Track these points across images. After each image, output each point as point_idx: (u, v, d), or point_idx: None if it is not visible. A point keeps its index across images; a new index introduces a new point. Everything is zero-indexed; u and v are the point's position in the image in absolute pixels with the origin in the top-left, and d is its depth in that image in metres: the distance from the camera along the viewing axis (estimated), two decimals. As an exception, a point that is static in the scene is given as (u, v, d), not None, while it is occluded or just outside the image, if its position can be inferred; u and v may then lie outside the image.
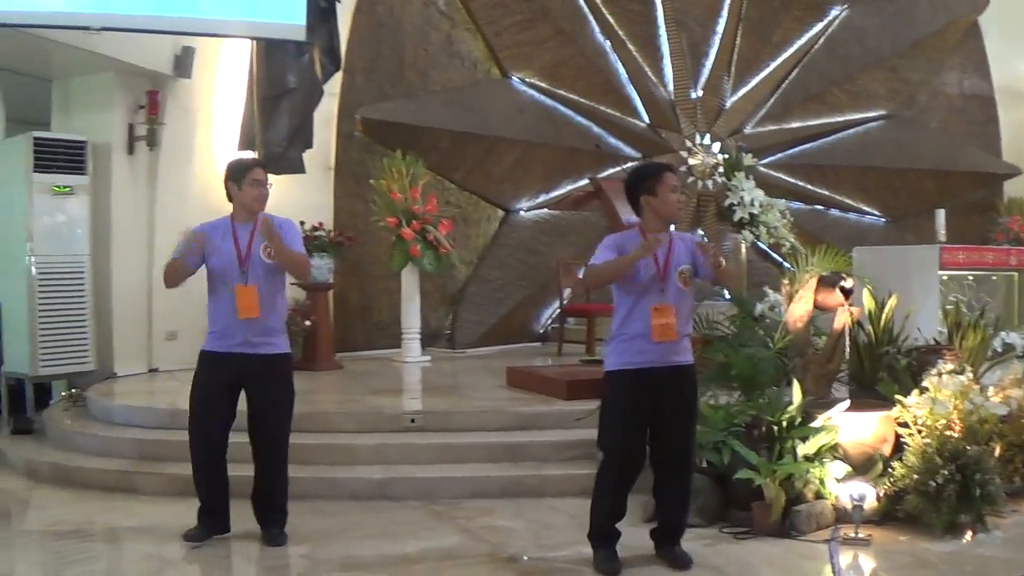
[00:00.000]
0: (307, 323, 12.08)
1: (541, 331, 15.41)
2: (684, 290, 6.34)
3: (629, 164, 14.48)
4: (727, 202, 14.00)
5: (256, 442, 7.02)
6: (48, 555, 7.22)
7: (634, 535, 6.73)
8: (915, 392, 7.68)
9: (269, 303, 6.88)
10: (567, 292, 13.94)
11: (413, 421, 9.30)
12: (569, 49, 15.03)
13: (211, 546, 6.97)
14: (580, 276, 6.41)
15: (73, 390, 11.03)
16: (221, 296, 6.84)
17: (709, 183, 15.49)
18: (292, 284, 12.05)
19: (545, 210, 15.18)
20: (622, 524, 6.53)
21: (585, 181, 13.60)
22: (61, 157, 11.35)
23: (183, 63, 12.04)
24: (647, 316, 6.20)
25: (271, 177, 10.70)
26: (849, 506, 7.14)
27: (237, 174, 6.91)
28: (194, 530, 6.98)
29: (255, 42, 11.92)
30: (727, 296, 12.14)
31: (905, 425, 7.60)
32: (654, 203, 6.27)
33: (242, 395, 6.97)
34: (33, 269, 11.08)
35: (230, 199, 6.97)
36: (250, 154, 11.52)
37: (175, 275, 6.87)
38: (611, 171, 14.45)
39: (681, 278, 6.31)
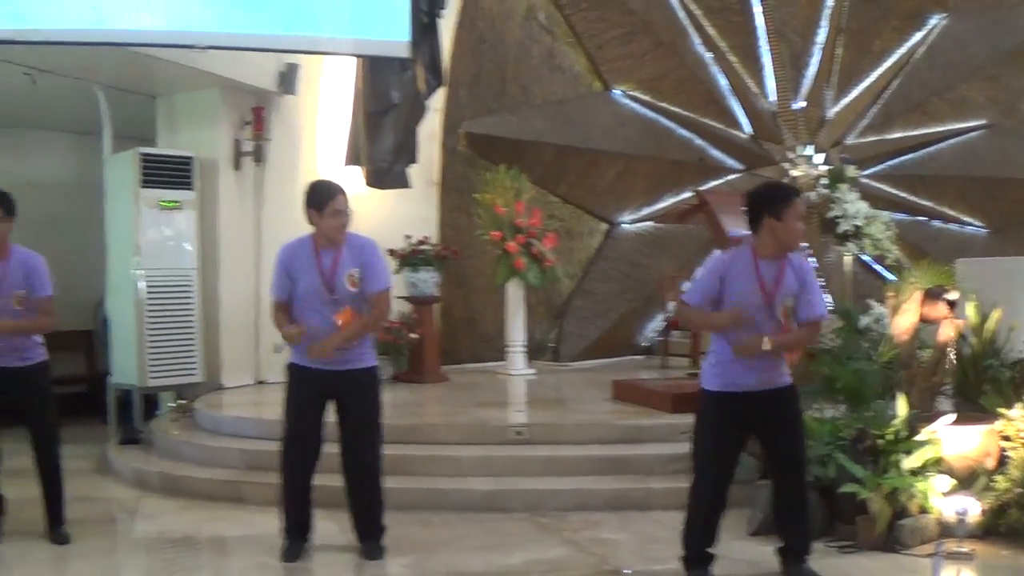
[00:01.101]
0: (413, 336, 12.05)
1: (645, 344, 15.23)
2: (782, 323, 6.14)
3: (732, 176, 14.43)
4: (831, 214, 13.77)
5: (349, 455, 7.00)
6: (155, 563, 7.30)
7: (740, 549, 6.70)
8: (1018, 405, 7.44)
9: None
10: (671, 305, 13.78)
11: (519, 433, 9.25)
12: (670, 61, 14.87)
13: (311, 558, 6.98)
14: (677, 307, 6.24)
15: (181, 401, 11.12)
16: (308, 316, 6.79)
17: (812, 195, 15.25)
18: (398, 297, 12.11)
19: (648, 223, 15.01)
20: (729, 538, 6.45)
21: (687, 194, 13.54)
22: (168, 172, 11.40)
23: (288, 79, 12.05)
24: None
25: (374, 191, 10.78)
26: (953, 520, 6.96)
27: (318, 202, 6.73)
28: (289, 549, 6.97)
29: (359, 58, 11.92)
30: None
31: (1008, 439, 7.36)
32: (778, 229, 5.99)
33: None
34: (141, 283, 11.12)
35: (309, 223, 6.82)
36: (357, 170, 11.54)
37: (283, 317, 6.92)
38: (714, 184, 14.34)
39: (784, 312, 6.11)
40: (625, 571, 6.70)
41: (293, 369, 6.97)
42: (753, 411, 6.11)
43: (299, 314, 6.81)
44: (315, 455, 6.94)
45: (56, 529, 7.50)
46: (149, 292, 11.14)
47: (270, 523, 7.48)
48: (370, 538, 6.99)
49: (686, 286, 13.30)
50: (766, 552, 6.61)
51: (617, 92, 14.96)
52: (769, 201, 6.07)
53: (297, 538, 7.01)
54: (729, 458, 6.25)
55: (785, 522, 6.44)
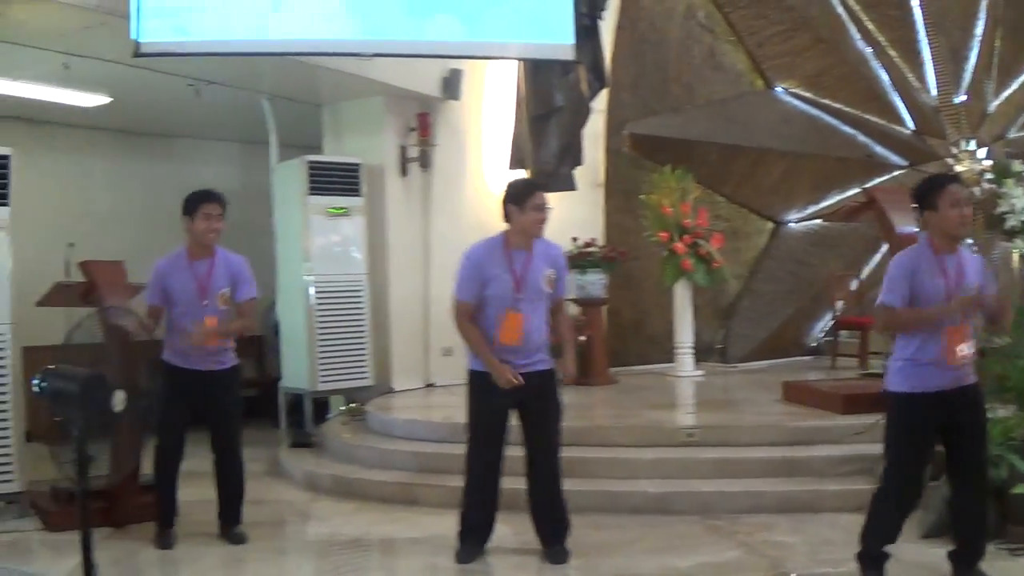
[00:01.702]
0: (581, 338, 11.90)
1: (813, 344, 14.97)
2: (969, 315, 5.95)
3: (897, 172, 14.11)
4: (998, 210, 13.44)
5: (536, 459, 6.93)
6: (327, 565, 7.34)
7: (912, 552, 6.52)
8: None
9: (535, 325, 6.82)
10: (839, 305, 13.54)
11: (690, 435, 9.14)
12: (831, 57, 14.57)
13: (484, 561, 6.95)
14: (880, 313, 5.97)
15: (352, 404, 11.15)
16: (489, 317, 6.75)
17: (977, 190, 14.87)
18: (567, 300, 12.02)
19: (814, 221, 14.71)
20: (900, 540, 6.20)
21: (853, 191, 13.26)
22: (335, 179, 11.53)
23: (451, 85, 12.06)
24: (942, 339, 5.82)
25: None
26: None
27: (519, 198, 6.74)
28: (465, 550, 6.93)
29: (521, 62, 11.91)
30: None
31: None
32: (936, 219, 5.85)
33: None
34: (311, 288, 11.25)
35: (507, 220, 6.80)
36: (522, 173, 11.51)
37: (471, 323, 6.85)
38: (879, 180, 14.04)
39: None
40: (791, 575, 6.58)
41: (478, 376, 6.86)
42: (944, 411, 5.89)
43: (480, 309, 6.77)
44: (502, 459, 6.89)
45: (233, 530, 7.57)
46: (319, 297, 11.27)
47: (442, 525, 7.52)
48: (555, 542, 6.91)
49: (854, 284, 13.18)
50: (938, 555, 6.37)
51: (779, 90, 14.71)
52: (922, 194, 5.94)
53: (475, 541, 6.96)
54: (921, 461, 6.08)
55: (963, 526, 6.18)
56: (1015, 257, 13.46)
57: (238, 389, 7.77)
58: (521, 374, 6.67)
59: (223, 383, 7.55)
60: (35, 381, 5.51)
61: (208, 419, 7.59)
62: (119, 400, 5.35)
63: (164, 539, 7.49)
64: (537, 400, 6.81)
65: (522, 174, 11.94)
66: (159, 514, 7.58)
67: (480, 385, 6.82)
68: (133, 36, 8.62)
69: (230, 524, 7.60)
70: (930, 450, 6.09)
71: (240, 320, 7.55)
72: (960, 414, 5.92)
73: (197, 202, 7.38)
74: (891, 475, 6.08)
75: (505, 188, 6.91)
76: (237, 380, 7.74)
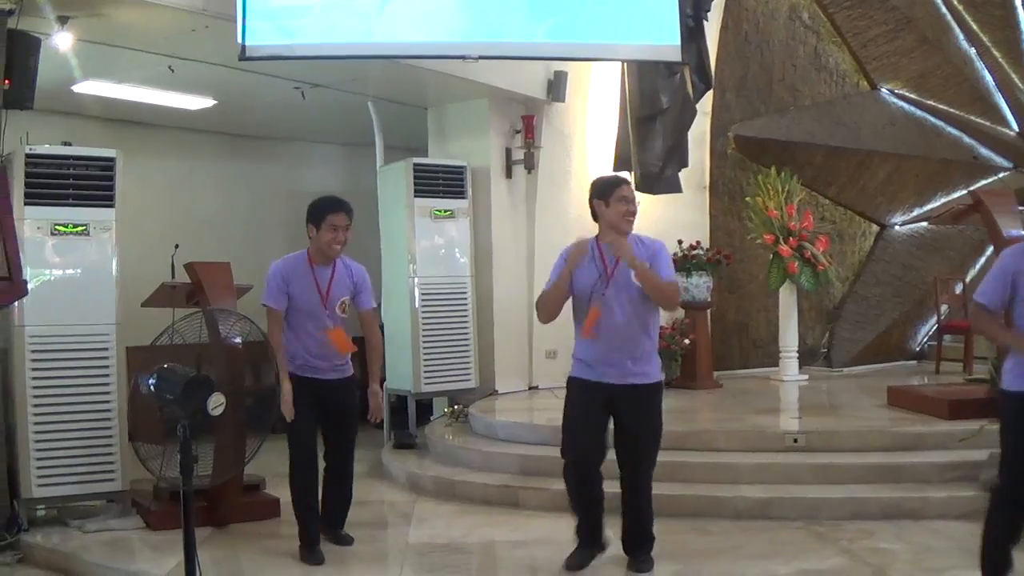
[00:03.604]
0: (686, 342, 11.88)
1: (917, 349, 14.71)
2: None
3: (1003, 174, 13.86)
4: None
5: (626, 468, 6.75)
6: (427, 566, 7.24)
7: None
8: None
9: (639, 328, 6.61)
10: (944, 309, 13.33)
11: (795, 441, 8.99)
12: (935, 58, 14.33)
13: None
14: (972, 308, 5.64)
15: (456, 406, 11.11)
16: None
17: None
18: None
19: (919, 224, 14.47)
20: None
21: (958, 193, 13.07)
22: (441, 182, 11.53)
23: (556, 87, 11.94)
24: None
25: (644, 196, 10.60)
26: None
27: (604, 191, 6.58)
28: (575, 554, 6.78)
29: (625, 64, 11.77)
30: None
31: None
32: None
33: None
34: (416, 290, 11.24)
35: (595, 218, 6.66)
36: (627, 176, 11.41)
37: (554, 304, 6.64)
38: (985, 182, 13.80)
39: None
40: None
41: (574, 383, 6.73)
42: None
43: (573, 313, 6.69)
44: (598, 465, 6.69)
45: (340, 532, 7.50)
46: (423, 299, 11.26)
47: (544, 528, 7.64)
48: (639, 549, 6.78)
49: (959, 288, 12.95)
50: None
51: (884, 91, 14.45)
52: None
53: (585, 545, 6.80)
54: None
55: None
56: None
57: (356, 398, 7.64)
58: (621, 385, 6.54)
59: (344, 392, 7.44)
60: (149, 380, 5.51)
61: (326, 428, 7.48)
62: (215, 403, 5.33)
63: (313, 555, 7.25)
64: (634, 412, 6.64)
65: (627, 176, 11.87)
66: (302, 532, 7.37)
67: (575, 391, 6.75)
68: (239, 39, 8.54)
69: (336, 527, 7.52)
70: None
71: (376, 333, 7.66)
72: None
73: (324, 211, 7.22)
74: (1002, 483, 5.75)
75: (591, 185, 6.78)
76: (355, 389, 7.62)
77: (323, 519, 7.45)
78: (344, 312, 7.32)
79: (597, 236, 6.65)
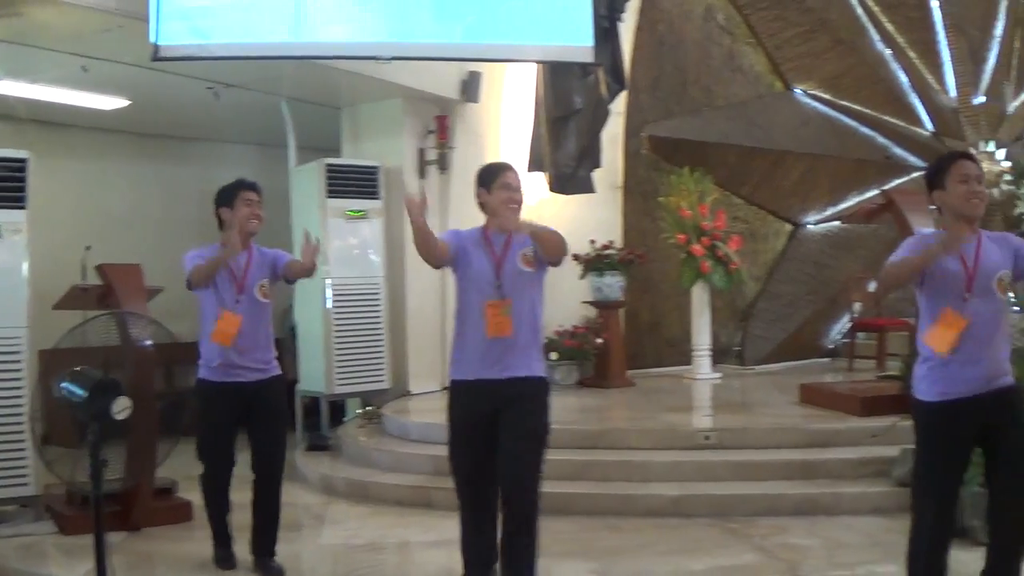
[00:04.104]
0: (599, 341, 11.97)
1: (830, 346, 14.84)
2: (999, 299, 5.27)
3: (916, 174, 13.98)
4: (1017, 211, 13.33)
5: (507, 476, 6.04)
6: (341, 568, 7.28)
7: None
8: None
9: (527, 320, 6.06)
10: (857, 306, 13.45)
11: (707, 438, 9.10)
12: (850, 59, 14.46)
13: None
14: (883, 271, 5.31)
15: (369, 408, 11.14)
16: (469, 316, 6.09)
17: (996, 192, 14.71)
18: (584, 303, 11.98)
19: (833, 223, 14.61)
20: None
21: (872, 192, 13.17)
22: (354, 182, 11.48)
23: (470, 87, 11.96)
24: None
25: (558, 196, 10.58)
26: None
27: (485, 179, 6.20)
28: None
29: (540, 64, 11.84)
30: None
31: None
32: (944, 199, 5.26)
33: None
34: (329, 291, 11.20)
35: (483, 208, 6.28)
36: (541, 176, 11.46)
37: (428, 243, 6.08)
38: (898, 181, 13.91)
39: (1000, 286, 5.23)
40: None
41: (453, 388, 6.16)
42: (979, 420, 5.19)
43: (461, 310, 6.18)
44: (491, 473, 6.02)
45: (271, 562, 6.98)
46: (336, 300, 11.21)
47: (458, 528, 7.37)
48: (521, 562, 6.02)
49: (872, 286, 13.06)
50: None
51: (798, 91, 14.60)
52: (931, 175, 5.37)
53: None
54: (956, 481, 5.34)
55: (1008, 554, 5.29)
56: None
57: (284, 401, 7.32)
58: (503, 380, 5.94)
59: (269, 394, 6.96)
60: (60, 383, 5.46)
61: (251, 436, 6.97)
62: (120, 407, 5.27)
63: (227, 560, 7.04)
64: (516, 410, 5.95)
65: (541, 176, 11.92)
66: (215, 535, 7.10)
67: (456, 395, 6.20)
68: (152, 39, 8.51)
69: (266, 556, 7.01)
70: (962, 468, 5.33)
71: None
72: (999, 422, 5.20)
73: (236, 188, 6.99)
74: (921, 500, 5.36)
75: (476, 173, 6.39)
76: (283, 391, 7.25)
77: (253, 543, 7.03)
78: (266, 296, 6.91)
79: (484, 226, 6.25)
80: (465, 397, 6.08)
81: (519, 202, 6.13)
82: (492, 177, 6.20)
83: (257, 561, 6.97)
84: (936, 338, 5.23)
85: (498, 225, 6.09)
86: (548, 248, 5.99)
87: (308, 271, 6.99)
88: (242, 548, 7.10)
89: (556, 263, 6.19)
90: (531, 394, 6.00)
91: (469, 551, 6.25)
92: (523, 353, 6.03)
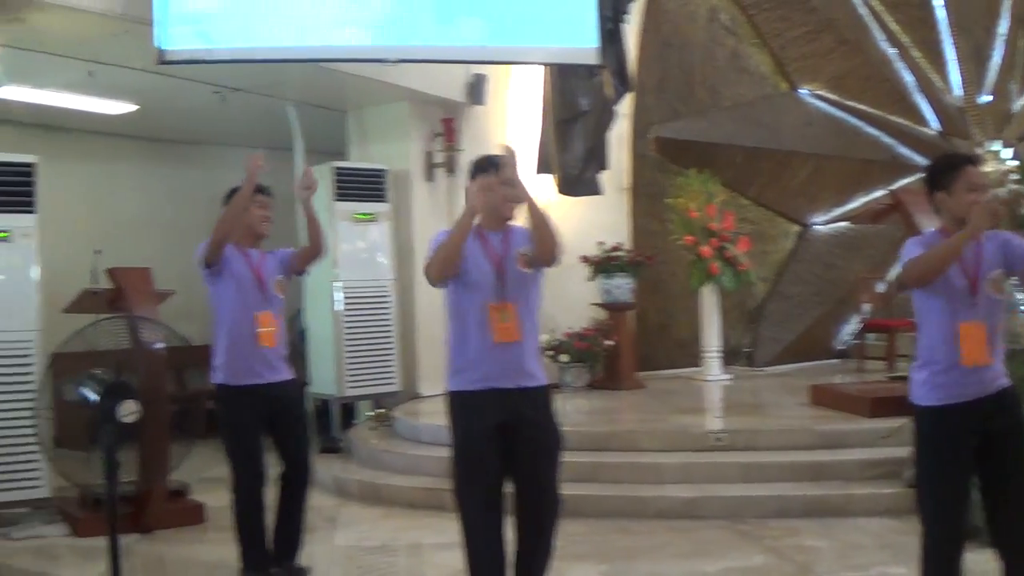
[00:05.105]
0: (608, 343, 11.93)
1: (840, 347, 14.77)
2: (995, 299, 5.11)
3: (921, 174, 13.88)
4: (1023, 210, 13.25)
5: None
6: (353, 570, 7.32)
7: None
8: None
9: (529, 324, 5.55)
10: (866, 307, 13.39)
11: (718, 440, 9.04)
12: (855, 59, 14.44)
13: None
14: (905, 268, 5.07)
15: (379, 410, 11.13)
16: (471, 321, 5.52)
17: (1002, 191, 14.64)
18: (593, 305, 11.91)
19: (841, 224, 14.56)
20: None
21: (878, 193, 13.12)
22: (362, 186, 11.48)
23: (476, 90, 12.00)
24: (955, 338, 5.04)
25: (566, 199, 10.52)
26: None
27: (474, 171, 5.68)
28: None
29: (546, 67, 11.82)
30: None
31: None
32: (947, 203, 5.06)
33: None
34: (338, 294, 11.19)
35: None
36: (548, 178, 11.40)
37: (450, 258, 5.39)
38: (905, 181, 13.84)
39: (995, 287, 5.08)
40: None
41: (458, 399, 5.56)
42: (980, 424, 5.03)
43: (455, 314, 5.62)
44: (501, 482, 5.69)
45: (295, 566, 6.84)
46: (346, 303, 11.22)
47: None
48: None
49: (881, 286, 12.99)
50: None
51: (804, 92, 14.57)
52: (936, 174, 5.15)
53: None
54: (961, 485, 5.10)
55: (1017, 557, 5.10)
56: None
57: (304, 404, 7.31)
58: (511, 390, 5.43)
59: (290, 397, 6.83)
60: (79, 388, 5.42)
61: (278, 442, 6.79)
62: (126, 410, 5.22)
63: (261, 564, 6.69)
64: (529, 423, 5.51)
65: (548, 178, 11.90)
66: (248, 539, 6.69)
67: (460, 408, 5.58)
68: (158, 43, 8.48)
69: (292, 557, 6.82)
70: (967, 475, 5.11)
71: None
72: (997, 425, 5.04)
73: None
74: (929, 515, 5.16)
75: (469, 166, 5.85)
76: (301, 394, 7.32)
77: (277, 548, 6.79)
78: (282, 292, 6.79)
79: (477, 224, 5.56)
80: (474, 410, 5.47)
81: (511, 199, 5.53)
82: (483, 170, 5.63)
83: (283, 564, 6.77)
84: (973, 354, 5.02)
85: (499, 210, 5.57)
86: (542, 244, 5.39)
87: (316, 249, 6.84)
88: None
89: (549, 263, 5.54)
90: (542, 405, 5.58)
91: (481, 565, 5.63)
92: (529, 359, 5.55)
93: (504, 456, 5.43)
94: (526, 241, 5.52)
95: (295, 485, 6.83)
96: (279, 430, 6.74)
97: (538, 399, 5.55)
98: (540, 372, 5.59)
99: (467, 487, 5.50)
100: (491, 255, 5.51)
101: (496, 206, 5.51)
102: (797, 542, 7.30)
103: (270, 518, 6.73)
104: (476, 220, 5.48)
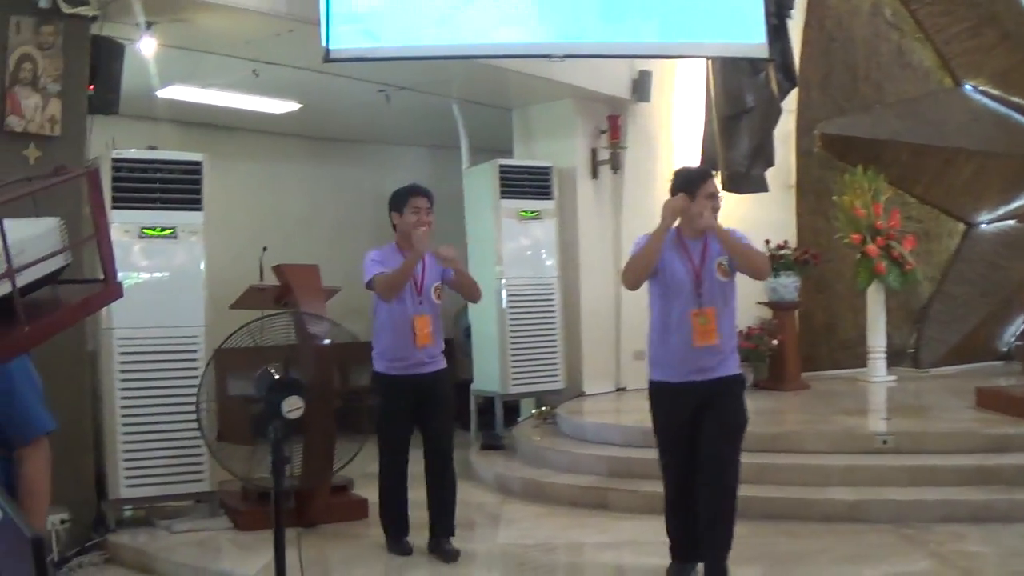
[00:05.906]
0: (774, 342, 11.68)
1: (1005, 349, 14.20)
2: None
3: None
4: None
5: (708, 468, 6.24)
6: (515, 568, 7.22)
7: None
8: None
9: (727, 327, 6.27)
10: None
11: (885, 442, 8.78)
12: (1019, 54, 13.80)
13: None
14: None
15: (543, 408, 11.04)
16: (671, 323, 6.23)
17: None
18: (759, 304, 11.70)
19: (1006, 222, 14.01)
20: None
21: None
22: (527, 183, 11.44)
23: (641, 87, 11.78)
24: None
25: (731, 196, 10.38)
26: None
27: (687, 184, 6.12)
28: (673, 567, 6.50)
29: (710, 63, 11.63)
30: None
31: None
32: None
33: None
34: (503, 292, 11.14)
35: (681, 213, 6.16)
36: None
37: (646, 268, 6.17)
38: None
39: None
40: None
41: (657, 388, 6.40)
42: None
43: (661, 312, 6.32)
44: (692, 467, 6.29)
45: (446, 545, 7.31)
46: (511, 301, 11.18)
47: (634, 530, 7.66)
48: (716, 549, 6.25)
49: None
50: None
51: (968, 87, 14.04)
52: None
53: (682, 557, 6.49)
54: None
55: None
56: None
57: (451, 392, 7.64)
58: (706, 381, 6.20)
59: (439, 386, 7.35)
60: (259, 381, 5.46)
61: (423, 426, 7.41)
62: (290, 406, 5.24)
63: (400, 546, 7.40)
64: (718, 407, 6.23)
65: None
66: (392, 523, 7.48)
67: (657, 396, 6.47)
68: (323, 42, 8.49)
69: (444, 536, 7.34)
70: None
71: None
72: None
73: (405, 195, 7.26)
74: None
75: (673, 175, 6.35)
76: (449, 383, 7.54)
77: (431, 527, 7.39)
78: (439, 298, 7.26)
79: (677, 229, 6.23)
80: (670, 399, 6.31)
81: (718, 210, 6.24)
82: (695, 184, 6.19)
83: (433, 542, 7.31)
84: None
85: (693, 229, 6.15)
86: (743, 261, 6.22)
87: (469, 292, 7.48)
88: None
89: (753, 276, 6.47)
90: (729, 391, 6.26)
91: (674, 532, 6.48)
92: (725, 357, 6.22)
93: (694, 434, 6.21)
94: (721, 251, 6.14)
95: (440, 461, 7.39)
96: (425, 412, 7.31)
97: (726, 387, 6.24)
98: (735, 365, 6.33)
99: (663, 457, 6.45)
100: (691, 263, 6.15)
101: (693, 217, 6.08)
102: (961, 548, 7.08)
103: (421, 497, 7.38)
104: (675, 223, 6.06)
